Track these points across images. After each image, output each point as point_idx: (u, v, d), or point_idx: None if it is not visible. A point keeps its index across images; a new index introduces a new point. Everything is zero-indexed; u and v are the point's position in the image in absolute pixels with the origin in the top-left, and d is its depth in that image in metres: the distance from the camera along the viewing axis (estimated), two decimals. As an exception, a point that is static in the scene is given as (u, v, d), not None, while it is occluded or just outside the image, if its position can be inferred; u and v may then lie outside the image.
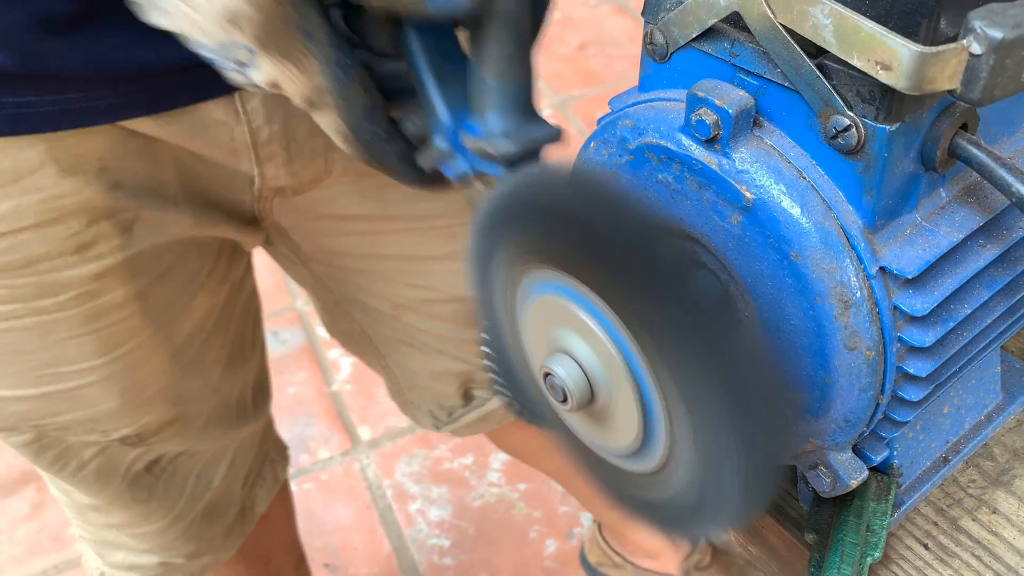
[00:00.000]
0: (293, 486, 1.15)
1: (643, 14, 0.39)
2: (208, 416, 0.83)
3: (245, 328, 0.87)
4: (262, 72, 0.46)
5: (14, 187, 0.61)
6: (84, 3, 0.55)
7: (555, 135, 0.49)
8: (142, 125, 0.63)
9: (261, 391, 0.94)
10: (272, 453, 0.99)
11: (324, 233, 0.81)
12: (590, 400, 0.38)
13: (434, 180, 0.53)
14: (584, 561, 1.41)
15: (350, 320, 0.92)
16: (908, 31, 0.31)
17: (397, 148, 0.52)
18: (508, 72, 0.47)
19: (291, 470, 1.05)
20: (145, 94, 0.62)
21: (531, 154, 0.49)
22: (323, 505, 1.51)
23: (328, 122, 0.49)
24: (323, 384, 1.69)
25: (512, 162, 0.48)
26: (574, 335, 0.37)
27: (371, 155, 0.51)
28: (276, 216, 0.78)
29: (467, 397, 0.95)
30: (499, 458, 1.56)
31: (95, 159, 0.63)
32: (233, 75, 0.47)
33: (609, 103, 0.43)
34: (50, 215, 0.63)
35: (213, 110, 0.65)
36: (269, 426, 0.99)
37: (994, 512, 0.47)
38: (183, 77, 0.62)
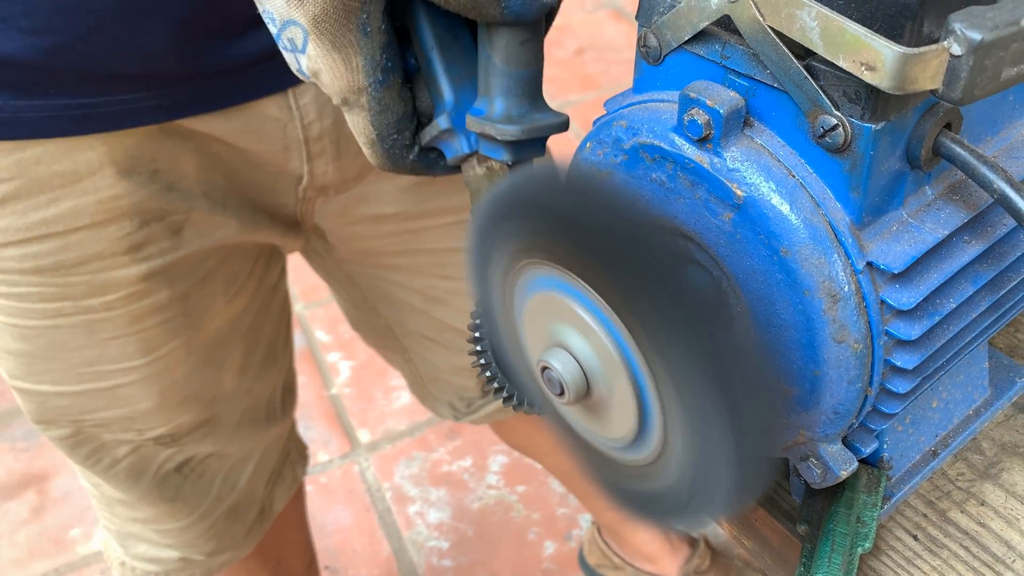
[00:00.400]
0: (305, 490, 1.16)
1: (637, 18, 0.40)
2: (240, 417, 0.85)
3: (279, 331, 0.89)
4: (308, 58, 0.46)
5: (74, 187, 0.63)
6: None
7: (561, 123, 0.49)
8: (199, 123, 0.65)
9: (289, 393, 0.95)
10: (293, 453, 1.00)
11: (361, 236, 0.82)
12: (586, 393, 0.39)
13: (445, 170, 0.53)
14: (583, 563, 1.42)
15: (376, 315, 0.94)
16: (892, 33, 0.32)
17: (415, 157, 0.52)
18: (519, 57, 0.47)
19: (301, 474, 1.06)
20: (204, 93, 0.63)
21: (535, 141, 0.49)
22: (322, 508, 1.52)
23: (358, 124, 0.50)
24: (322, 387, 1.70)
25: (516, 147, 0.49)
26: (571, 330, 0.38)
27: (391, 163, 0.52)
28: (317, 218, 0.79)
29: (486, 390, 0.96)
30: (498, 460, 1.57)
31: (149, 160, 0.65)
32: (287, 56, 0.48)
33: (604, 104, 0.44)
34: (106, 215, 0.65)
35: (268, 106, 0.67)
36: (292, 426, 1.00)
37: (982, 504, 0.48)
38: (241, 75, 0.63)
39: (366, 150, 0.51)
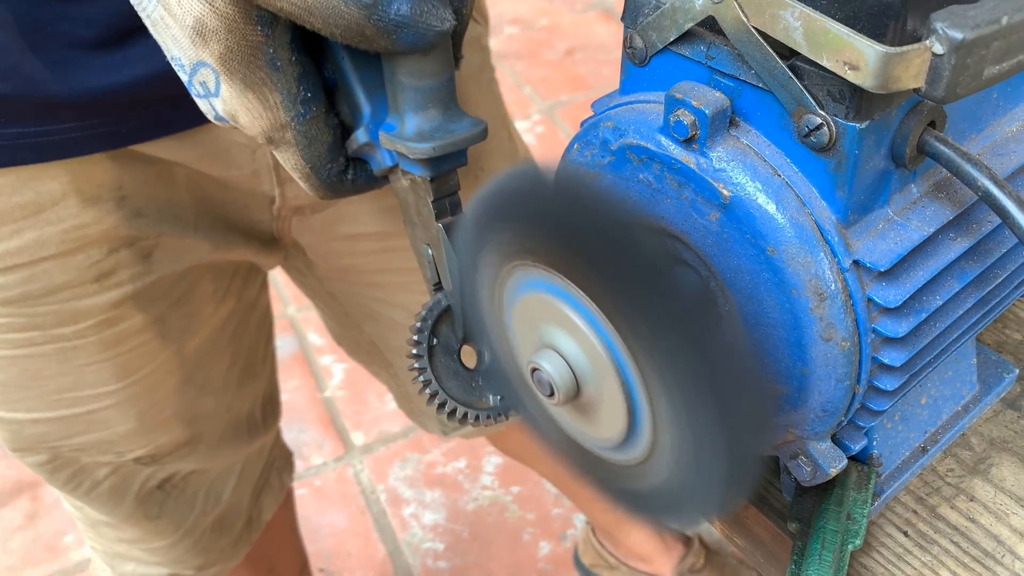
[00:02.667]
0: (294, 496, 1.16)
1: (623, 19, 0.41)
2: (221, 434, 0.84)
3: (257, 345, 0.88)
4: (223, 102, 0.44)
5: (37, 218, 0.62)
6: (101, 31, 0.55)
7: (478, 134, 0.47)
8: (164, 150, 0.64)
9: (271, 405, 0.95)
10: (278, 461, 1.00)
11: (341, 254, 0.82)
12: (576, 394, 0.39)
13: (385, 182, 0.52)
14: (578, 563, 1.42)
15: (359, 331, 0.93)
16: (876, 32, 0.33)
17: (354, 178, 0.50)
18: (423, 70, 0.45)
19: (289, 479, 1.06)
20: (165, 117, 0.62)
21: (451, 155, 0.47)
22: (317, 511, 1.52)
23: (289, 160, 0.48)
24: (316, 390, 1.70)
25: (432, 162, 0.47)
26: (560, 331, 0.38)
27: (331, 191, 0.50)
28: (295, 235, 0.78)
29: None
30: (492, 461, 1.57)
31: (115, 187, 0.63)
32: (201, 103, 0.46)
33: (592, 106, 0.44)
34: (71, 245, 0.63)
35: (234, 132, 0.65)
36: (277, 435, 1.00)
37: (972, 500, 0.48)
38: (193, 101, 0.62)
39: (303, 184, 0.49)
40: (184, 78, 0.45)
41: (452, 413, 0.51)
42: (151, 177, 0.65)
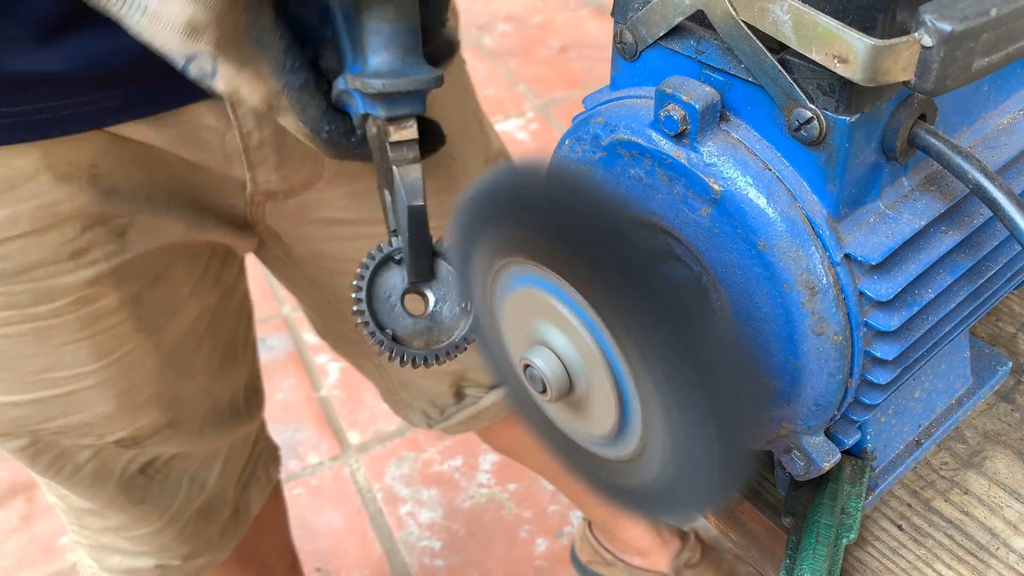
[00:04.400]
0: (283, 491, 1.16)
1: (613, 14, 0.41)
2: (202, 418, 0.84)
3: (237, 331, 0.88)
4: (224, 80, 0.49)
5: (9, 195, 0.62)
6: (69, 6, 0.56)
7: (432, 79, 0.51)
8: (135, 131, 0.64)
9: (254, 393, 0.94)
10: (264, 454, 1.00)
11: (317, 238, 0.82)
12: (569, 390, 0.39)
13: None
14: (575, 559, 1.42)
15: (342, 320, 0.93)
16: (865, 25, 0.33)
17: (359, 141, 0.54)
18: (387, 14, 0.49)
19: (281, 476, 1.05)
20: (135, 97, 0.62)
21: (409, 96, 0.51)
22: (314, 510, 1.51)
23: (290, 124, 0.52)
24: (311, 390, 1.70)
25: (387, 101, 0.50)
26: (552, 327, 0.38)
27: (336, 151, 0.54)
28: (269, 220, 0.78)
29: (459, 395, 0.96)
30: (488, 459, 1.57)
31: (88, 165, 0.63)
32: (200, 81, 0.50)
33: (583, 102, 0.44)
34: (45, 222, 0.63)
35: (204, 115, 0.66)
36: (261, 427, 1.00)
37: (966, 493, 0.48)
38: (172, 78, 0.62)
39: (309, 144, 0.53)
40: (178, 64, 0.49)
41: (390, 354, 0.54)
42: (125, 156, 0.65)
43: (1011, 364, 0.54)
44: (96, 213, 0.65)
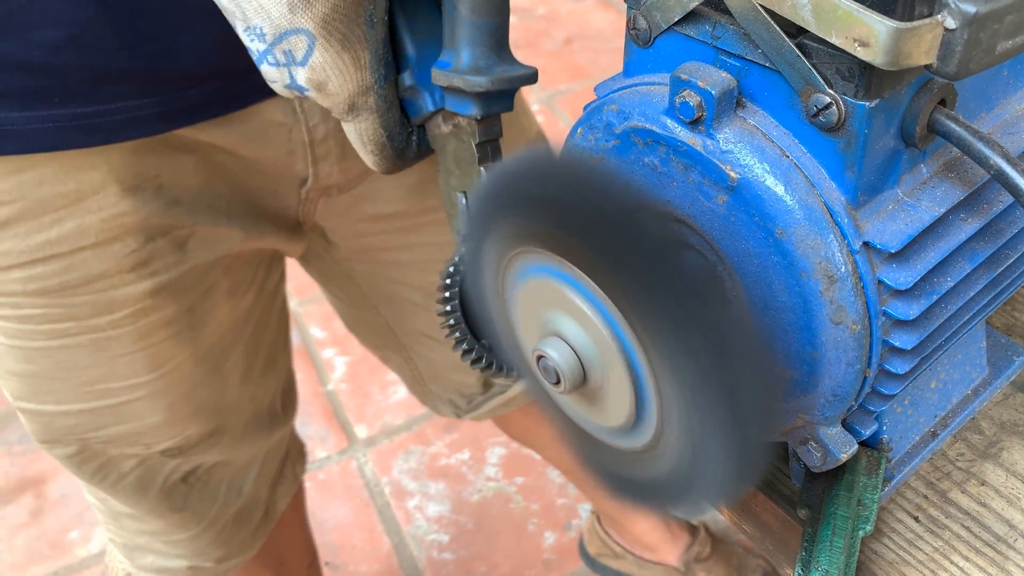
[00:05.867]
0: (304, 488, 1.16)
1: (625, 0, 0.40)
2: (245, 425, 0.85)
3: (279, 335, 0.89)
4: (314, 69, 0.45)
5: (78, 207, 0.62)
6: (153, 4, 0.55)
7: (530, 75, 0.48)
8: (203, 133, 0.64)
9: (289, 396, 0.95)
10: (292, 452, 1.00)
11: (363, 234, 0.82)
12: (583, 381, 0.38)
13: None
14: (583, 552, 1.42)
15: (375, 314, 0.93)
16: (884, 8, 0.32)
17: (419, 143, 0.51)
18: (485, 6, 0.46)
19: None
20: (214, 95, 0.62)
21: (504, 94, 0.48)
22: (321, 504, 1.51)
23: (367, 130, 0.48)
24: (318, 384, 1.69)
25: (485, 99, 0.47)
26: (566, 317, 0.38)
27: (399, 160, 0.51)
28: (318, 218, 0.79)
29: (487, 385, 0.96)
30: (496, 452, 1.57)
31: (153, 176, 0.64)
32: (273, 73, 0.46)
33: (595, 89, 0.43)
34: (110, 234, 0.64)
35: (272, 111, 0.66)
36: (289, 430, 1.00)
37: (983, 484, 0.48)
38: (244, 79, 0.62)
39: (373, 157, 0.50)
40: (259, 48, 0.45)
41: (477, 361, 0.51)
42: (188, 166, 0.66)
43: (1028, 354, 0.53)
44: (159, 224, 0.66)
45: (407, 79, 0.49)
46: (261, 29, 0.44)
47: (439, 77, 0.47)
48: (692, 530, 1.35)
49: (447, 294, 0.49)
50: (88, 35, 0.56)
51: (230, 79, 0.62)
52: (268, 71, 0.46)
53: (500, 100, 0.48)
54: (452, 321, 0.49)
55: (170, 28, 0.58)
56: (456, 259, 0.50)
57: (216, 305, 0.74)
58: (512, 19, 0.49)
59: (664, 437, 0.37)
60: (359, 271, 0.88)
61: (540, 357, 0.38)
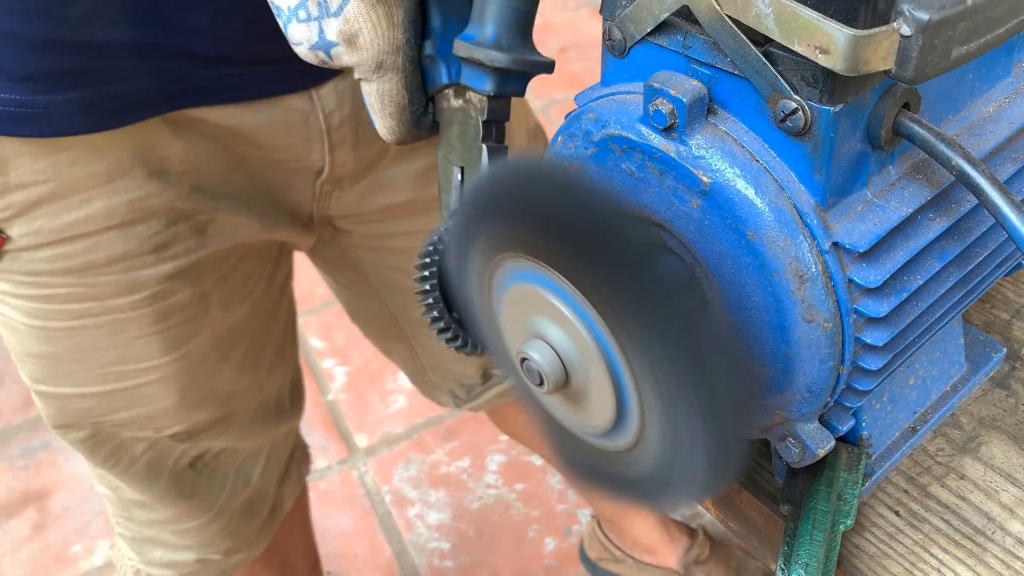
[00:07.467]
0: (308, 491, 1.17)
1: (601, 12, 0.41)
2: (252, 414, 0.87)
3: (287, 328, 0.91)
4: (344, 21, 0.45)
5: (107, 187, 0.65)
6: None
7: (547, 64, 0.49)
8: (229, 116, 0.67)
9: (296, 390, 0.97)
10: (298, 452, 1.02)
11: (372, 221, 0.84)
12: (565, 382, 0.39)
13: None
14: (584, 557, 1.43)
15: (379, 304, 0.95)
16: (847, 17, 0.33)
17: (433, 116, 0.52)
18: None
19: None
20: (245, 78, 0.65)
21: (519, 77, 0.49)
22: (323, 513, 1.52)
23: (389, 91, 0.49)
24: (318, 394, 1.70)
25: (501, 77, 0.48)
26: (548, 321, 0.39)
27: (414, 130, 0.51)
28: (332, 211, 0.81)
29: (486, 376, 0.98)
30: (495, 460, 1.58)
31: (179, 162, 0.67)
32: (301, 32, 0.46)
33: (575, 99, 0.45)
34: (135, 215, 0.66)
35: (291, 99, 0.68)
36: (296, 426, 1.02)
37: (962, 478, 0.49)
38: (277, 67, 0.65)
39: (391, 121, 0.50)
40: (290, 5, 0.46)
41: (453, 340, 0.51)
42: (211, 154, 0.68)
43: (1005, 351, 0.54)
44: (182, 209, 0.68)
45: (428, 47, 0.50)
46: None
47: (460, 48, 0.48)
48: (691, 533, 1.36)
49: (426, 272, 0.50)
50: (111, 7, 0.58)
51: (253, 66, 0.65)
52: (296, 30, 0.47)
53: (515, 82, 0.49)
54: (430, 300, 0.50)
55: (193, 2, 0.60)
56: (435, 236, 0.51)
57: (230, 293, 0.77)
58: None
59: (645, 436, 0.38)
60: (366, 260, 0.89)
61: (524, 359, 0.40)
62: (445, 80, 0.50)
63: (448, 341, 0.51)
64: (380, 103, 0.50)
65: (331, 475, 1.58)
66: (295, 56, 0.50)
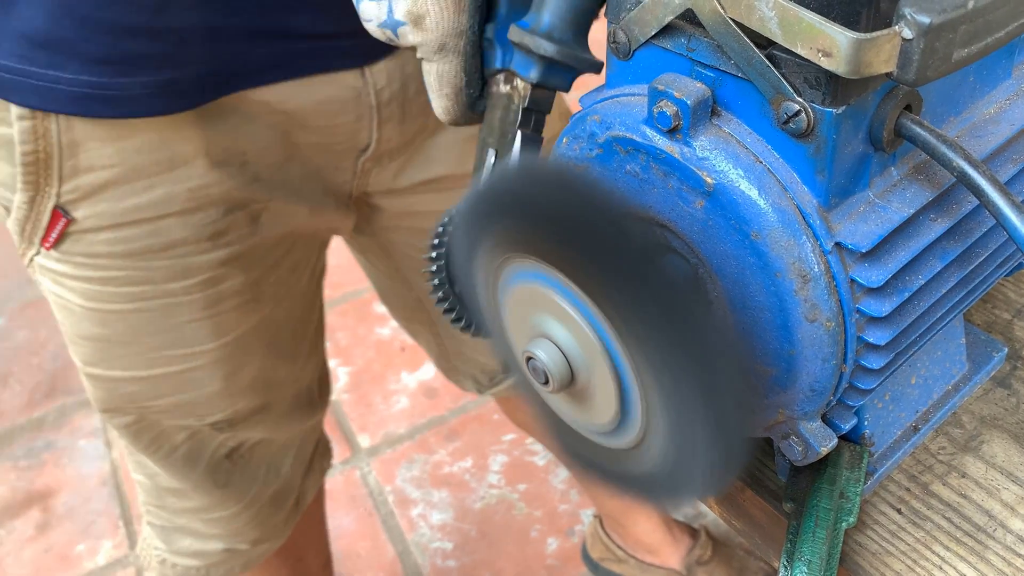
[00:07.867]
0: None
1: (606, 15, 0.42)
2: (289, 403, 0.89)
3: (320, 320, 0.93)
4: (411, 1, 0.46)
5: (170, 175, 0.67)
6: None
7: (595, 64, 0.50)
8: (288, 95, 0.69)
9: (324, 382, 0.99)
10: (320, 445, 1.03)
11: (407, 194, 0.85)
12: (570, 381, 0.40)
13: None
14: (586, 557, 1.43)
15: (407, 287, 0.96)
16: (849, 20, 0.34)
17: (485, 100, 0.52)
18: None
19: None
20: (296, 55, 0.67)
21: (564, 70, 0.49)
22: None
23: (447, 73, 0.50)
24: (321, 395, 1.71)
25: (547, 67, 0.49)
26: (553, 320, 0.39)
27: (469, 112, 0.52)
28: (370, 187, 0.82)
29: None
30: (498, 460, 1.58)
31: (240, 153, 0.69)
32: (372, 9, 0.48)
33: (580, 100, 0.45)
34: (195, 203, 0.68)
35: (346, 76, 0.71)
36: (322, 419, 1.03)
37: (963, 476, 0.49)
38: (337, 42, 0.67)
39: (446, 102, 0.51)
40: None
41: (458, 321, 0.52)
42: (269, 143, 0.70)
43: (1007, 350, 0.54)
44: (239, 198, 0.70)
45: (488, 31, 0.50)
46: None
47: (514, 33, 0.48)
48: (693, 533, 1.36)
49: (434, 253, 0.50)
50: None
51: (316, 40, 0.66)
52: (367, 7, 0.48)
53: (560, 74, 0.50)
54: (437, 281, 0.51)
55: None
56: (446, 218, 0.51)
57: (279, 281, 0.79)
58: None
59: (649, 435, 0.39)
60: (394, 242, 0.90)
61: (529, 358, 0.40)
62: (499, 65, 0.51)
63: (453, 322, 0.52)
64: (438, 83, 0.51)
65: (334, 475, 1.58)
66: (354, 31, 0.51)
